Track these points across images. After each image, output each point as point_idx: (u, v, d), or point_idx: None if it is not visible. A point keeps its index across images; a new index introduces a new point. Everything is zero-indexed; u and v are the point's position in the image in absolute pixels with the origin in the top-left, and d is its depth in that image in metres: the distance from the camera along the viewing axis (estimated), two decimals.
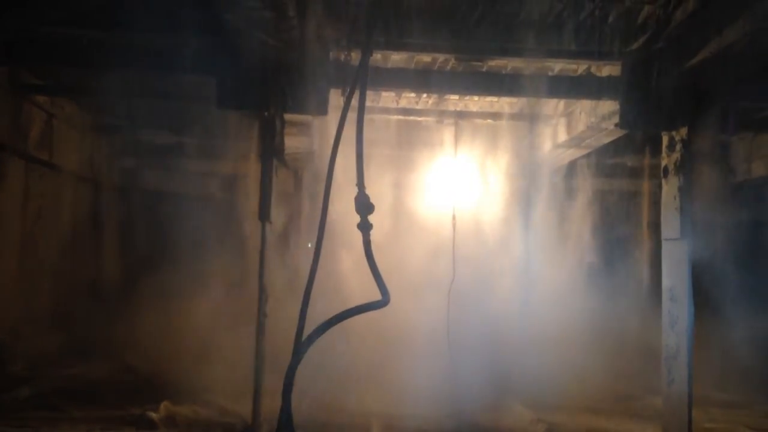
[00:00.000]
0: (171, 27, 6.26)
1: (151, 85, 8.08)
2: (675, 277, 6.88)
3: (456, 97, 8.88)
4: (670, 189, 6.99)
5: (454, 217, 10.01)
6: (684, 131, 6.86)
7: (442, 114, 9.48)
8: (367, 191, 3.06)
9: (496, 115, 9.40)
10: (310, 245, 10.10)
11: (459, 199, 10.17)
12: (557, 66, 7.62)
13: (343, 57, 6.94)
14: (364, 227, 3.01)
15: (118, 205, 11.35)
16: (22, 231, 9.49)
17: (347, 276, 8.00)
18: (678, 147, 6.90)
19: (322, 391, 7.74)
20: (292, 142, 8.33)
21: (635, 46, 6.80)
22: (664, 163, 7.11)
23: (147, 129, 10.17)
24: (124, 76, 7.97)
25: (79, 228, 10.75)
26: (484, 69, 7.60)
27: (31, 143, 9.12)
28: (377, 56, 7.33)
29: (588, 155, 9.90)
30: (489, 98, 8.99)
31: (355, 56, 6.87)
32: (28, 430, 6.82)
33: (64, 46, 6.84)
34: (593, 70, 7.51)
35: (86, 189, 11.14)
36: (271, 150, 6.74)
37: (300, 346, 2.83)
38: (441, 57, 7.39)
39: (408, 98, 9.11)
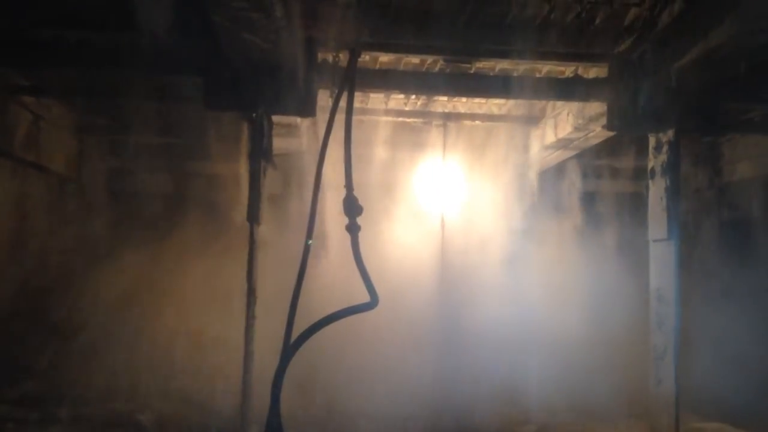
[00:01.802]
0: (158, 27, 6.24)
1: (138, 85, 8.04)
2: (662, 278, 6.92)
3: (444, 98, 8.91)
4: (656, 190, 7.03)
5: (442, 218, 10.04)
6: (671, 133, 6.90)
7: (430, 115, 9.50)
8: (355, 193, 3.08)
9: (484, 117, 9.44)
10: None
11: (447, 199, 10.20)
12: (545, 68, 7.66)
13: (331, 58, 6.95)
14: (353, 229, 3.01)
15: (106, 205, 11.29)
16: (9, 232, 9.43)
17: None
18: (665, 148, 6.94)
19: (312, 391, 7.74)
20: (280, 144, 8.32)
21: (622, 47, 6.85)
22: (650, 164, 7.16)
23: (134, 130, 10.12)
24: (112, 76, 7.93)
25: (67, 228, 10.69)
26: (472, 70, 7.62)
27: (17, 144, 9.06)
28: (365, 57, 7.33)
29: (576, 156, 9.96)
30: (477, 100, 9.02)
31: (343, 57, 6.88)
32: None
33: (51, 46, 6.80)
34: (581, 71, 7.54)
35: (73, 190, 11.08)
36: (259, 151, 6.73)
37: (288, 349, 2.83)
38: (429, 58, 7.41)
39: (396, 99, 9.13)
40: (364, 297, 3.02)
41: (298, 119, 7.92)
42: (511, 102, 9.04)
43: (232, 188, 8.65)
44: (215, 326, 8.65)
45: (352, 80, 2.99)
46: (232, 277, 7.36)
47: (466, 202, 10.34)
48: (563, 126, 8.76)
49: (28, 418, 7.24)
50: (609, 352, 8.74)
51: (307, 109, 6.85)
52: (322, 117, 6.93)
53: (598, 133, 8.29)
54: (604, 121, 7.30)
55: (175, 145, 10.44)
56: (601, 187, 11.28)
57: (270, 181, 7.19)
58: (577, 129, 8.39)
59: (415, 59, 7.53)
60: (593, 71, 7.45)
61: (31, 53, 6.86)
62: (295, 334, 3.02)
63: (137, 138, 10.14)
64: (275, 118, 7.16)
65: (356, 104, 2.98)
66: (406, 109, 9.36)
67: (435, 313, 9.30)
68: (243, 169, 7.04)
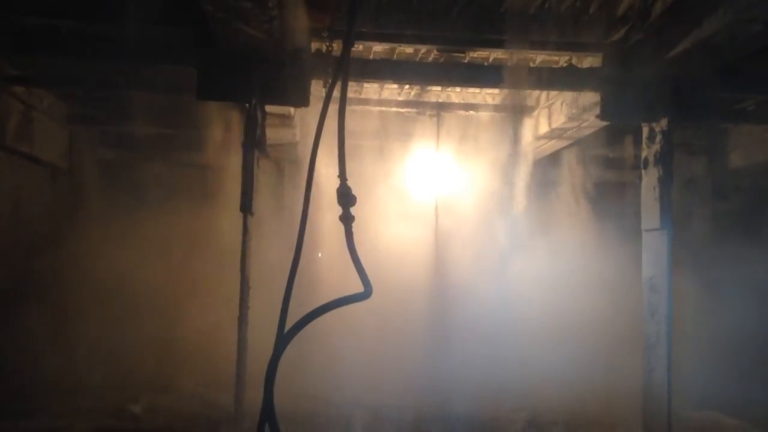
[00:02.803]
0: (151, 17, 6.20)
1: (131, 75, 8.00)
2: (655, 267, 6.94)
3: (438, 88, 8.90)
4: (649, 180, 7.04)
5: (436, 208, 10.06)
6: (664, 122, 6.91)
7: (424, 105, 9.50)
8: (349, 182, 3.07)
9: (477, 107, 9.44)
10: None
11: (441, 189, 10.22)
12: (539, 57, 7.66)
13: (324, 48, 6.93)
14: (346, 219, 3.00)
15: (99, 196, 11.24)
16: (1, 223, 9.40)
17: None
18: (658, 138, 6.95)
19: (306, 381, 7.75)
20: (274, 134, 8.30)
21: (616, 37, 6.83)
22: (644, 154, 7.16)
23: (127, 120, 10.08)
24: (104, 66, 7.88)
25: (59, 220, 10.65)
26: (465, 60, 7.62)
27: (9, 135, 9.01)
28: (359, 47, 7.32)
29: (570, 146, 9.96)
30: (471, 90, 9.01)
31: (337, 47, 6.86)
32: (6, 424, 6.76)
33: (42, 36, 6.75)
34: (574, 61, 7.54)
35: (66, 181, 11.04)
36: (252, 141, 6.70)
37: (281, 339, 2.82)
38: (423, 48, 7.39)
39: (390, 89, 9.11)
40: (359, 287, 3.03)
41: (292, 109, 7.91)
42: (504, 92, 9.03)
43: (225, 179, 8.66)
44: (209, 316, 8.65)
45: (346, 70, 2.97)
46: (224, 269, 7.37)
47: (459, 191, 10.34)
48: (557, 116, 8.76)
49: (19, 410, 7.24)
50: (604, 339, 8.78)
51: (300, 98, 6.82)
52: (315, 107, 6.91)
53: (591, 123, 8.30)
54: (597, 110, 7.30)
55: (168, 136, 10.39)
56: (595, 176, 11.28)
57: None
58: (570, 119, 8.39)
59: (408, 49, 7.51)
60: (587, 61, 7.45)
61: (22, 43, 6.81)
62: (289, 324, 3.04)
63: (130, 128, 10.10)
64: (269, 108, 7.14)
65: (350, 94, 2.96)
66: (400, 98, 9.36)
67: (429, 302, 9.32)
68: (236, 159, 7.01)
